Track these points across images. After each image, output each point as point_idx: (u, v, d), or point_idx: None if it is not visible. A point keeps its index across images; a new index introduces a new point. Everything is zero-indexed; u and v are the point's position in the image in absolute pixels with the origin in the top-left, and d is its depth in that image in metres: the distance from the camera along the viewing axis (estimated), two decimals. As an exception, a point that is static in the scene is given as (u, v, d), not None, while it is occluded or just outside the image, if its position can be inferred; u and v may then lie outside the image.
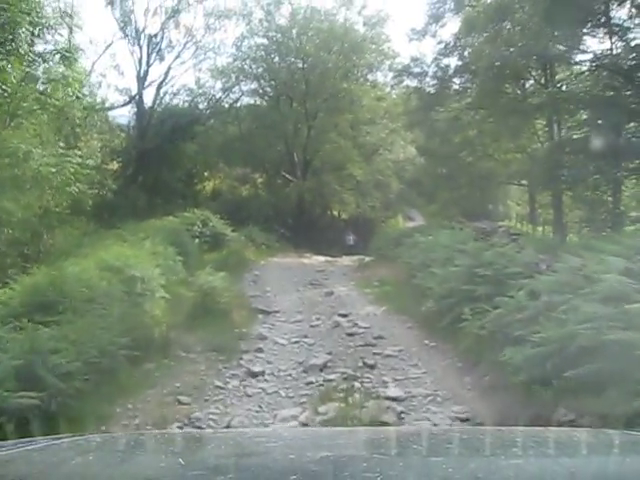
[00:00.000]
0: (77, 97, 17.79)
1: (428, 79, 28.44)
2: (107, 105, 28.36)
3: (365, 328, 11.10)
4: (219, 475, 1.57)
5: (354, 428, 4.71)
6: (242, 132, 35.62)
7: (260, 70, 33.60)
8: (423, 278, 12.20)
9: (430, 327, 10.22)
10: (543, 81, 24.95)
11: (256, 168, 36.55)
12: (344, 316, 12.23)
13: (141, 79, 28.26)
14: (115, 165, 29.26)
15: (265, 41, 33.50)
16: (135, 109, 29.12)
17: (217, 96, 31.92)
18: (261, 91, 34.82)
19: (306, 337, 10.60)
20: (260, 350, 9.57)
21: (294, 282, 18.21)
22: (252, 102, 35.22)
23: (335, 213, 39.55)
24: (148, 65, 28.51)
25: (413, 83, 29.24)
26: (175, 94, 29.79)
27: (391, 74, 34.16)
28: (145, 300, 10.14)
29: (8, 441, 2.02)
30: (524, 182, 29.76)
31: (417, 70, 27.88)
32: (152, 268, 11.14)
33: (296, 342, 10.25)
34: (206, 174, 37.02)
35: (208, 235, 22.17)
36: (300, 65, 32.92)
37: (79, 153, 14.31)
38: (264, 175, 37.25)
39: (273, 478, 1.58)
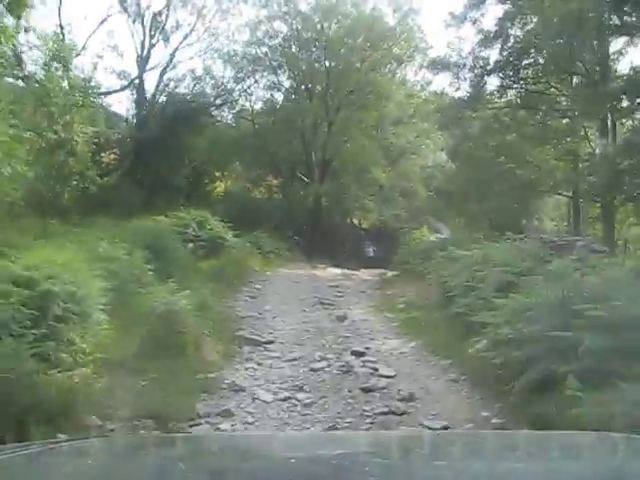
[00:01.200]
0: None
1: (465, 72, 25.00)
2: (103, 90, 25.22)
3: (388, 378, 7.69)
4: (218, 478, 1.61)
5: (355, 432, 4.80)
6: (256, 128, 32.43)
7: (277, 59, 30.33)
8: (470, 307, 8.87)
9: (487, 385, 6.81)
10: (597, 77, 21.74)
11: (270, 168, 33.25)
12: (359, 355, 8.85)
13: (142, 62, 25.15)
14: (110, 157, 26.10)
15: (284, 28, 30.30)
16: (134, 95, 25.94)
17: (228, 87, 28.64)
18: (277, 83, 31.55)
19: (302, 390, 7.20)
20: (227, 415, 6.20)
21: (300, 300, 14.91)
22: (267, 95, 31.94)
23: (355, 221, 36.21)
24: (151, 46, 25.36)
25: (447, 78, 26.09)
26: (180, 81, 26.60)
27: (422, 72, 31.07)
28: (67, 328, 6.85)
29: (7, 445, 2.07)
30: (567, 193, 26.46)
31: (453, 60, 24.51)
32: (90, 280, 7.83)
33: (286, 399, 6.86)
34: (217, 174, 33.88)
35: (204, 239, 18.91)
36: (322, 55, 29.60)
37: (13, 122, 11.04)
38: (279, 176, 33.95)
39: None
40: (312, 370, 8.03)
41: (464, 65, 24.97)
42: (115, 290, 8.70)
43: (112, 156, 26.52)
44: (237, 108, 31.90)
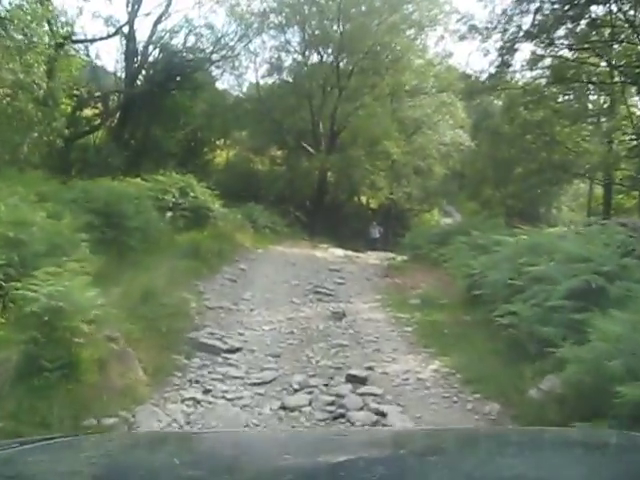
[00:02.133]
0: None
1: (493, 38, 22.00)
2: (87, 37, 22.35)
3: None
4: (214, 475, 1.57)
5: (350, 429, 4.66)
6: (260, 92, 29.54)
7: (286, 16, 27.32)
8: (521, 317, 6.12)
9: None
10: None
11: (274, 137, 30.38)
12: (358, 382, 6.04)
13: (133, 7, 22.21)
14: (92, 113, 23.26)
15: (295, -19, 27.22)
16: (124, 47, 23.00)
17: (230, 44, 25.60)
18: (285, 42, 28.56)
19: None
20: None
21: (292, 287, 12.20)
22: (274, 56, 28.94)
23: (363, 199, 33.40)
24: (142, -12, 22.34)
25: (472, 46, 23.25)
26: (176, 32, 23.59)
27: (444, 43, 27.97)
28: None
29: (2, 440, 2.08)
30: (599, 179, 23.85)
31: (482, 25, 21.53)
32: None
33: None
34: (218, 142, 31.05)
35: (186, 208, 16.15)
36: (335, 15, 26.52)
37: None
38: (283, 147, 31.08)
39: (268, 479, 1.57)
40: (283, 409, 5.26)
41: (494, 28, 21.98)
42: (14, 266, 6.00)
43: (95, 112, 23.64)
44: (239, 69, 28.99)
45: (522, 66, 22.78)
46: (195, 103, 26.89)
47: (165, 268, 11.14)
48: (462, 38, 23.07)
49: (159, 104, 24.35)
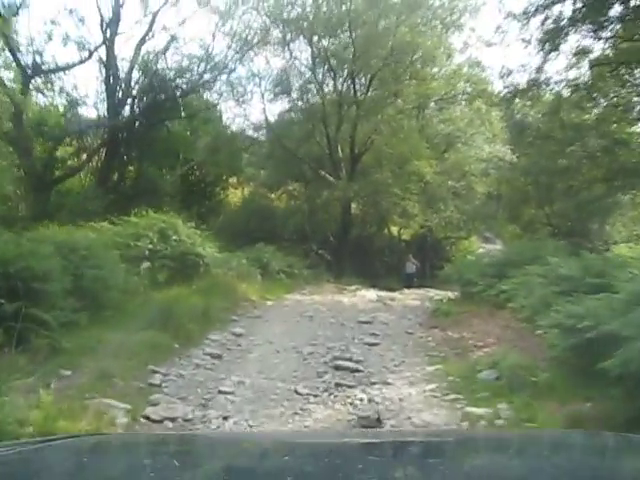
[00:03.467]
0: None
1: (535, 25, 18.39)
2: (58, 65, 19.03)
3: None
4: (213, 477, 1.58)
5: (350, 430, 4.67)
6: (267, 117, 26.12)
7: (289, 28, 23.86)
8: None
9: None
10: None
11: (289, 168, 26.84)
12: None
13: (108, 26, 18.88)
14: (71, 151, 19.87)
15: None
16: (103, 73, 19.63)
17: (230, 65, 22.13)
18: (291, 58, 25.05)
19: None
20: None
21: (302, 359, 8.36)
22: (281, 76, 25.39)
23: (393, 230, 29.65)
24: (118, 6, 19.00)
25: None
26: (162, 53, 20.12)
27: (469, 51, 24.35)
28: None
29: (2, 442, 2.07)
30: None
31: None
32: None
33: None
34: (230, 179, 27.67)
35: (167, 256, 12.50)
36: (344, 18, 22.95)
37: None
38: (300, 178, 27.49)
39: None
40: None
41: (535, 12, 18.28)
42: None
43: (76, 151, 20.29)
44: (244, 95, 25.52)
45: (570, 57, 19.07)
46: (196, 136, 23.54)
47: (109, 349, 7.48)
48: (497, 30, 19.45)
49: (150, 137, 21.06)
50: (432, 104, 25.65)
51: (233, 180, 28.15)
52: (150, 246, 12.27)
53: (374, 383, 7.05)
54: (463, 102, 25.36)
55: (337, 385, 6.93)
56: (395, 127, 22.87)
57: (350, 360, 8.10)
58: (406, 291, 21.59)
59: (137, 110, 20.41)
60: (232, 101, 25.01)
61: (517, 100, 21.28)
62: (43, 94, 18.74)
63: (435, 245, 30.98)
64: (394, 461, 1.77)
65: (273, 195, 28.42)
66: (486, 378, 6.97)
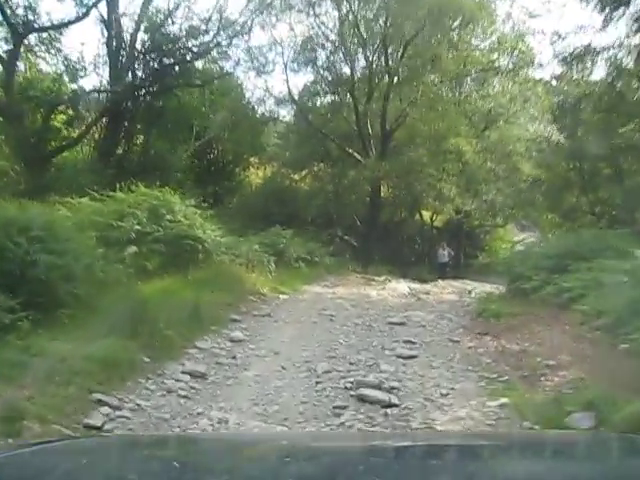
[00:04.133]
0: None
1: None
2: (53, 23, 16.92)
3: None
4: (214, 478, 1.55)
5: (351, 432, 4.43)
6: (291, 90, 23.85)
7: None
8: None
9: None
10: None
11: (313, 146, 24.62)
12: None
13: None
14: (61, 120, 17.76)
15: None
16: (105, 32, 17.48)
17: (247, 27, 19.78)
18: (317, 22, 22.68)
19: None
20: None
21: (313, 384, 6.15)
22: (306, 42, 23.04)
23: (425, 216, 27.38)
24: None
25: None
26: (172, 12, 17.86)
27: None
28: None
29: (2, 443, 2.16)
30: None
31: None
32: None
33: None
34: (251, 158, 25.56)
35: (159, 240, 10.34)
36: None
37: None
38: (325, 157, 25.20)
39: None
40: None
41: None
42: None
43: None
44: (264, 64, 23.25)
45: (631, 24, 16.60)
46: (212, 108, 21.39)
47: (43, 368, 5.34)
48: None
49: (158, 108, 18.93)
50: (472, 77, 23.16)
51: (254, 159, 26.07)
52: (138, 227, 10.12)
53: (416, 429, 4.82)
54: (506, 76, 22.84)
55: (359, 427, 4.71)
56: (431, 100, 20.43)
57: (380, 388, 5.85)
58: (440, 282, 19.49)
59: (143, 76, 18.26)
60: (252, 72, 22.76)
61: (568, 71, 19.07)
62: (36, 55, 16.56)
63: (470, 233, 28.80)
64: (397, 464, 1.70)
65: (297, 176, 26.24)
66: (581, 426, 4.72)
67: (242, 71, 22.76)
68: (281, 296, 11.84)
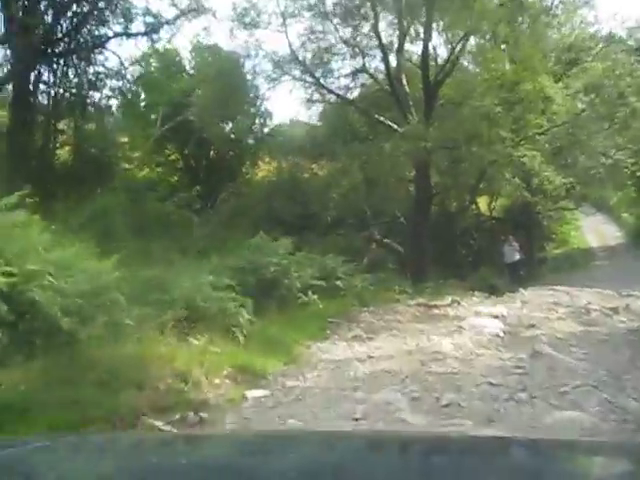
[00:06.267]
0: None
1: None
2: None
3: None
4: (218, 477, 1.54)
5: (355, 431, 4.23)
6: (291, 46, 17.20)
7: None
8: None
9: None
10: None
11: (329, 121, 18.24)
12: None
13: None
14: None
15: None
16: None
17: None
18: None
19: None
20: None
21: None
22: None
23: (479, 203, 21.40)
24: None
25: None
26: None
27: None
28: None
29: (3, 441, 2.08)
30: None
31: None
32: None
33: None
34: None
35: None
36: None
37: None
38: (347, 134, 18.56)
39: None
40: None
41: None
42: None
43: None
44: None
45: None
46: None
47: None
48: None
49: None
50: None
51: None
52: None
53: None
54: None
55: None
56: (496, 27, 13.66)
57: None
58: (526, 294, 13.15)
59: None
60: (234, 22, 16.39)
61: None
62: None
63: (535, 222, 23.28)
64: (398, 461, 1.70)
65: (315, 165, 19.78)
66: None
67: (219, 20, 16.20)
68: (249, 393, 5.22)
